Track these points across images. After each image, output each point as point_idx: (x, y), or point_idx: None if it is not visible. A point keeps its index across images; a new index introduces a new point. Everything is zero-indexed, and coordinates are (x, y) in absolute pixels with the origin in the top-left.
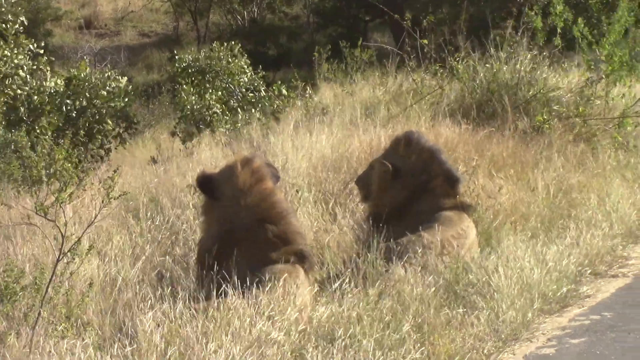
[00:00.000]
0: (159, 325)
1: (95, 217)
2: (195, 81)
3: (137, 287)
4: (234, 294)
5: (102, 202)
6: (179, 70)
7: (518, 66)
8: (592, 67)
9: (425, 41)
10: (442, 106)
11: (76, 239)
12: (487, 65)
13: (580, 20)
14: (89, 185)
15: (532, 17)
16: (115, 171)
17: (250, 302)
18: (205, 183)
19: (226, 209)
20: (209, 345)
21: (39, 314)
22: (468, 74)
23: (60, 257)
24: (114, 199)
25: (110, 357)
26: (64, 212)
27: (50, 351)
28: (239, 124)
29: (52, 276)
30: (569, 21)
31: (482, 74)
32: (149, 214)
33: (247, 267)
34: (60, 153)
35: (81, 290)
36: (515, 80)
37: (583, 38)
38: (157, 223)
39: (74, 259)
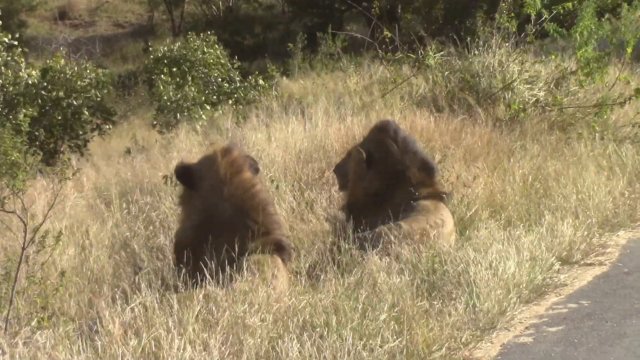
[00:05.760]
0: (133, 318)
1: (55, 200)
2: (171, 72)
3: (113, 277)
4: (212, 284)
5: (60, 182)
6: (154, 61)
7: (491, 56)
8: (560, 57)
9: (388, 33)
10: (415, 95)
11: (39, 225)
12: (461, 54)
13: (556, 25)
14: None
15: (504, 19)
16: (69, 158)
17: (228, 291)
18: (184, 173)
19: (205, 200)
20: (186, 334)
21: (10, 302)
22: (441, 64)
23: (26, 245)
24: (69, 179)
25: (85, 346)
26: (22, 200)
27: (24, 342)
28: (216, 115)
29: (19, 263)
30: (543, 14)
31: (455, 63)
32: (124, 204)
33: (226, 256)
34: (4, 141)
35: (55, 280)
36: (490, 70)
37: (555, 32)
38: (132, 213)
39: (43, 247)
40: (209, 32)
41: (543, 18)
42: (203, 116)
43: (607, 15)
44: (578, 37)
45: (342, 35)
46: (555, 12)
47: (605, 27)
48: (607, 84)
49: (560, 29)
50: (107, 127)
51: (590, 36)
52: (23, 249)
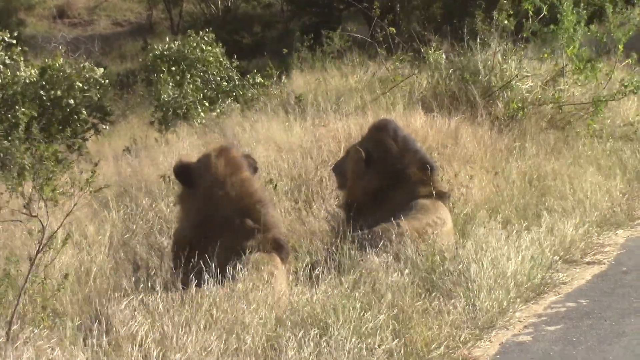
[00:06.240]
0: (133, 317)
1: (72, 208)
2: (170, 70)
3: (112, 277)
4: (211, 282)
5: (81, 189)
6: (153, 59)
7: (490, 55)
8: (552, 55)
9: (393, 29)
10: (414, 94)
11: (54, 231)
12: (460, 53)
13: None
14: (66, 177)
15: (503, 17)
16: (96, 164)
17: (227, 290)
18: (183, 172)
19: (204, 199)
20: (185, 334)
21: (17, 304)
22: (440, 63)
23: (41, 248)
24: (95, 192)
25: (86, 347)
26: (46, 206)
27: (27, 342)
28: (215, 114)
29: (31, 267)
30: (542, 10)
31: (455, 60)
32: (122, 204)
33: (224, 255)
34: (47, 150)
35: (57, 280)
36: (489, 69)
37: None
38: (130, 213)
39: (49, 248)
40: (207, 30)
41: (542, 15)
42: (202, 114)
43: (581, 7)
44: (565, 34)
45: (344, 35)
46: (547, 5)
47: (584, 25)
48: (601, 82)
49: (544, 29)
50: (104, 127)
51: (575, 32)
52: (37, 252)
